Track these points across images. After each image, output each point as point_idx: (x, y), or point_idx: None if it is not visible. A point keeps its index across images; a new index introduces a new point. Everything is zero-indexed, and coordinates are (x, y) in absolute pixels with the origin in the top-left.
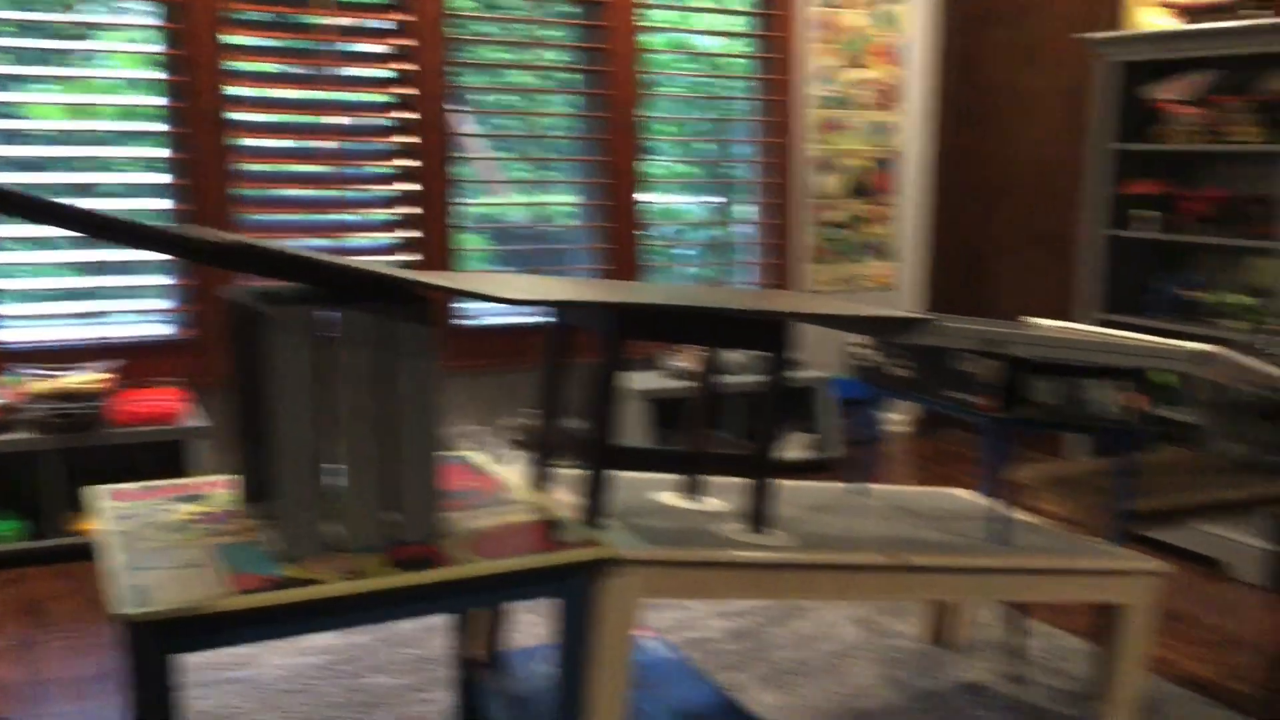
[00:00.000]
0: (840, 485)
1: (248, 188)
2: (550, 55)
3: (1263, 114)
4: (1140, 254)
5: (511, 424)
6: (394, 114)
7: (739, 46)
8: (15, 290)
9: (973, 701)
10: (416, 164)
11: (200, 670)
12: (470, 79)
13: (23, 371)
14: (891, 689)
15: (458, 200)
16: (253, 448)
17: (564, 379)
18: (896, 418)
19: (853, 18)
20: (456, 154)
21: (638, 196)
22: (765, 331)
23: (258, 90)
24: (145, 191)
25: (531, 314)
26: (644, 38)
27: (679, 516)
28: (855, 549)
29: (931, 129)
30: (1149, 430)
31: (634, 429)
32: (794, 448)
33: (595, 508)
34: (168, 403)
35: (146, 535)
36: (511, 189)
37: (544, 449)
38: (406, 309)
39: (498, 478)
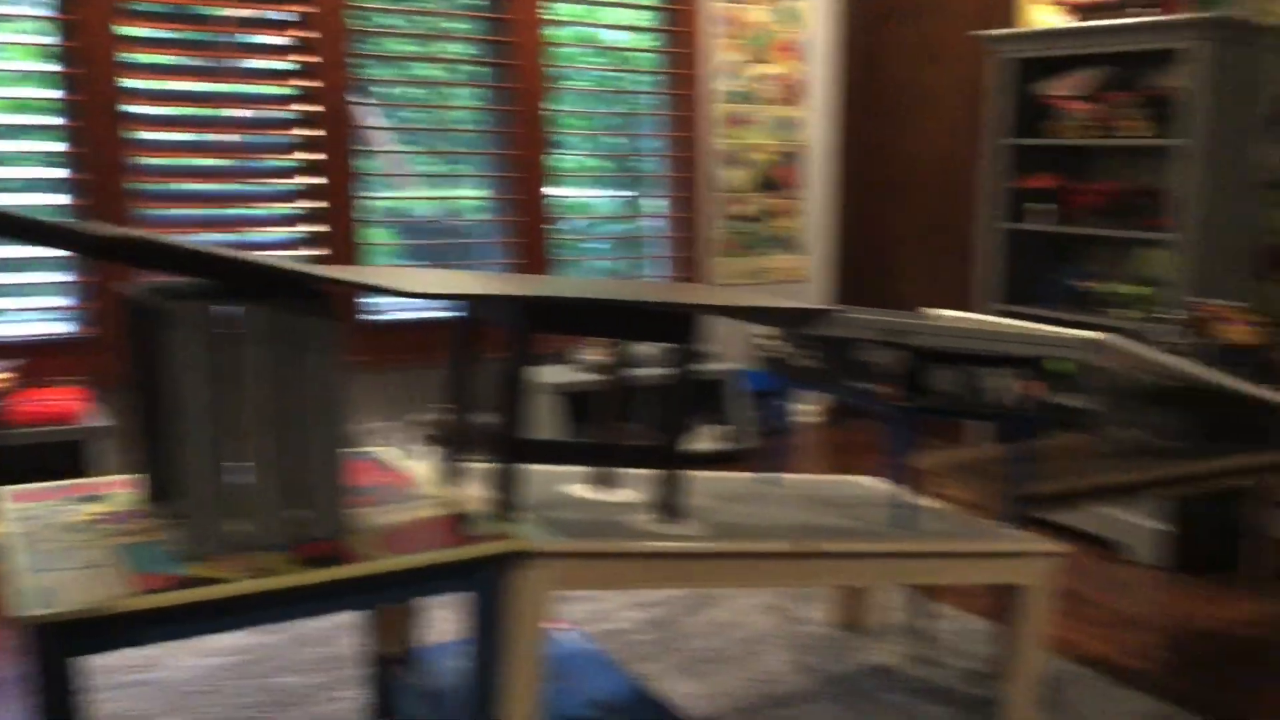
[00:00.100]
0: (751, 475)
1: (146, 182)
2: (456, 48)
3: (1150, 109)
4: (1036, 246)
5: (422, 419)
6: (296, 107)
7: (645, 41)
8: None
9: (880, 684)
10: (320, 157)
11: (107, 673)
12: (375, 71)
13: None
14: (803, 674)
15: (363, 194)
16: (155, 446)
17: (473, 373)
18: (807, 408)
19: (757, 13)
20: (361, 147)
21: (546, 190)
22: (673, 324)
23: (155, 83)
24: (41, 186)
25: (440, 309)
26: (550, 31)
27: (590, 508)
28: (765, 537)
29: (836, 124)
30: (1045, 417)
31: (546, 422)
32: (706, 439)
33: (506, 501)
34: (68, 402)
35: (48, 536)
36: (418, 182)
37: (454, 444)
38: (309, 304)
39: (407, 473)
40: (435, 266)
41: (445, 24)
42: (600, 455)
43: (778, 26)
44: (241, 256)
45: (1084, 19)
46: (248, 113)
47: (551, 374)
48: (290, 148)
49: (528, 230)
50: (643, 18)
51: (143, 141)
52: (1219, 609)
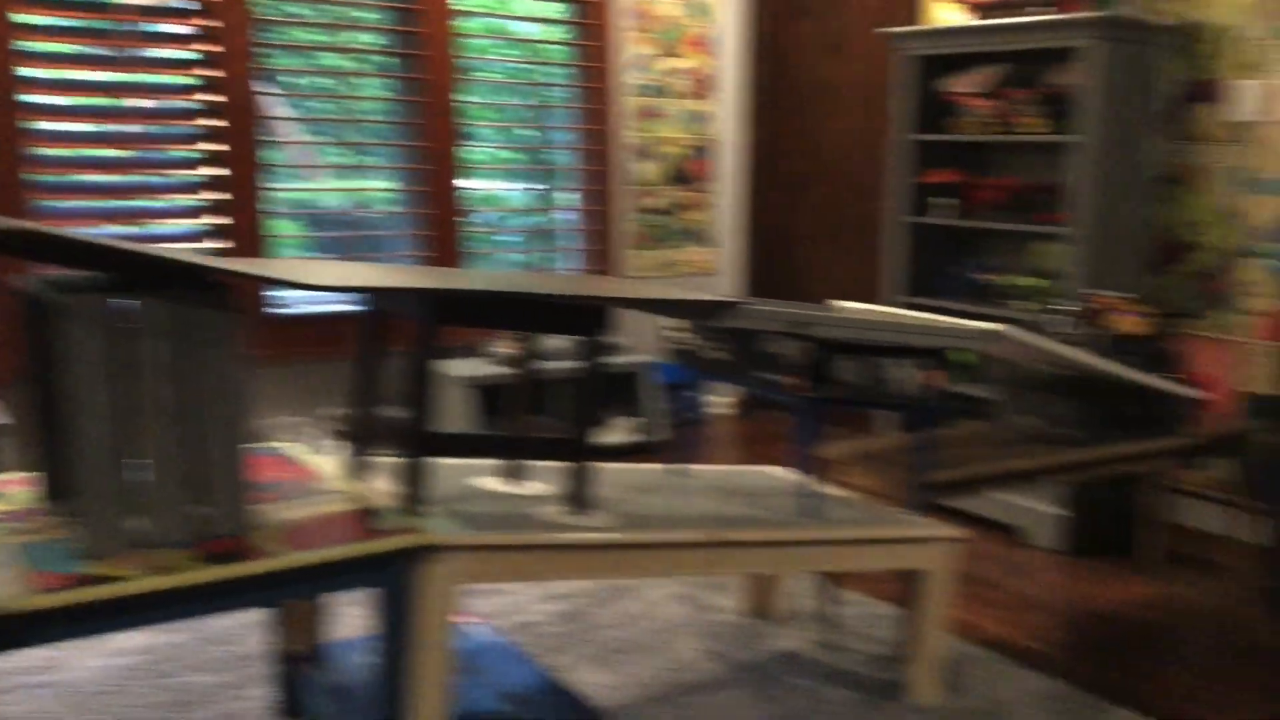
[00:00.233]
0: (661, 467)
1: (44, 173)
2: (365, 38)
3: (1048, 106)
4: (939, 239)
5: (331, 414)
6: (199, 96)
7: (556, 33)
8: None
9: (788, 669)
10: (224, 148)
11: (6, 675)
12: (281, 61)
13: None
14: (713, 662)
15: (269, 185)
16: (52, 443)
17: (380, 367)
18: (718, 400)
19: (667, 7)
20: (267, 138)
21: (458, 183)
22: (581, 317)
23: (53, 72)
24: None
25: (347, 302)
26: (460, 22)
27: (500, 501)
28: (674, 527)
29: (745, 118)
30: (947, 406)
31: (458, 416)
32: (618, 431)
33: (413, 495)
34: None
35: None
36: (326, 174)
37: (361, 438)
38: (208, 297)
39: (313, 468)
40: (343, 259)
41: (353, 13)
42: (510, 448)
43: (688, 21)
44: (138, 249)
45: (984, 17)
46: (150, 103)
47: (463, 367)
48: (193, 138)
49: (439, 223)
50: (553, 9)
51: (41, 132)
52: (1114, 591)
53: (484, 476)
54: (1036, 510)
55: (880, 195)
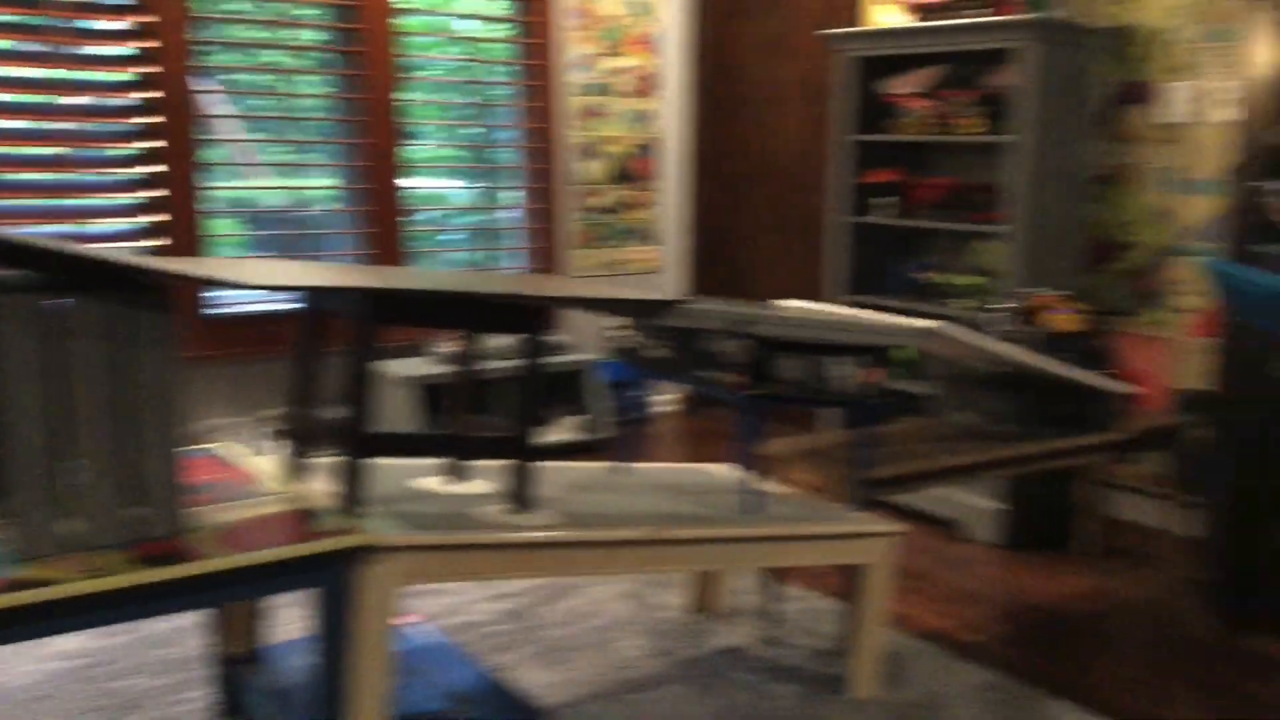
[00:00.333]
0: (604, 465)
1: None
2: (305, 35)
3: (985, 107)
4: (880, 238)
5: (271, 414)
6: (136, 94)
7: (499, 31)
8: None
9: (732, 665)
10: (162, 145)
11: None
12: (221, 58)
13: None
14: (657, 659)
15: (208, 184)
16: None
17: (318, 367)
18: (664, 397)
19: (609, 6)
20: (206, 136)
21: (400, 181)
22: (522, 315)
23: None
24: None
25: (289, 301)
26: (401, 20)
27: (441, 501)
28: (616, 525)
29: (689, 117)
30: (886, 403)
31: (402, 415)
32: (563, 429)
33: (352, 495)
34: None
35: None
36: (267, 172)
37: (300, 438)
38: (143, 297)
39: (251, 469)
40: (283, 258)
41: (294, 10)
42: (450, 447)
43: (630, 20)
44: (71, 248)
45: (922, 19)
46: (86, 100)
47: (407, 366)
48: (130, 136)
49: (381, 222)
50: (495, 7)
51: None
52: (1051, 584)
53: (426, 476)
54: (975, 505)
55: (823, 194)
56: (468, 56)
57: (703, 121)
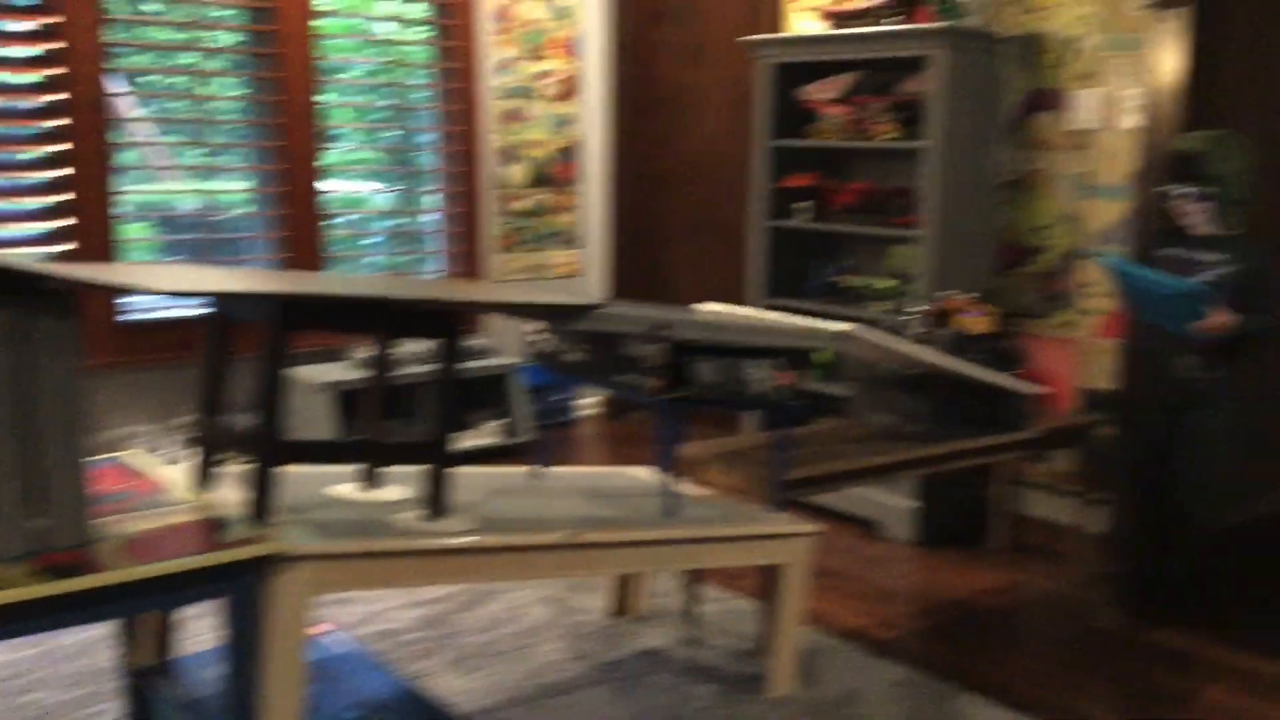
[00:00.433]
0: (523, 469)
1: None
2: (222, 37)
3: (900, 113)
4: (801, 242)
5: (186, 422)
6: (46, 96)
7: (419, 34)
8: None
9: (651, 667)
10: (70, 148)
11: None
12: (135, 60)
13: None
14: (576, 663)
15: (120, 188)
16: None
17: (226, 373)
18: (587, 401)
19: (530, 10)
20: (119, 138)
21: (319, 184)
22: (436, 320)
23: None
24: None
25: (203, 306)
26: (320, 22)
27: (354, 508)
28: (532, 530)
29: (610, 121)
30: (800, 405)
31: (319, 421)
32: (485, 434)
33: (262, 504)
34: None
35: None
36: (181, 175)
37: (209, 446)
38: (44, 303)
39: (159, 478)
40: (197, 263)
41: (210, 12)
42: (364, 454)
43: (551, 24)
44: None
45: (837, 26)
46: None
47: (323, 372)
48: (40, 138)
49: (300, 225)
50: (415, 10)
51: None
52: (965, 581)
53: (342, 484)
54: (892, 504)
55: (744, 198)
56: (387, 59)
57: (624, 126)
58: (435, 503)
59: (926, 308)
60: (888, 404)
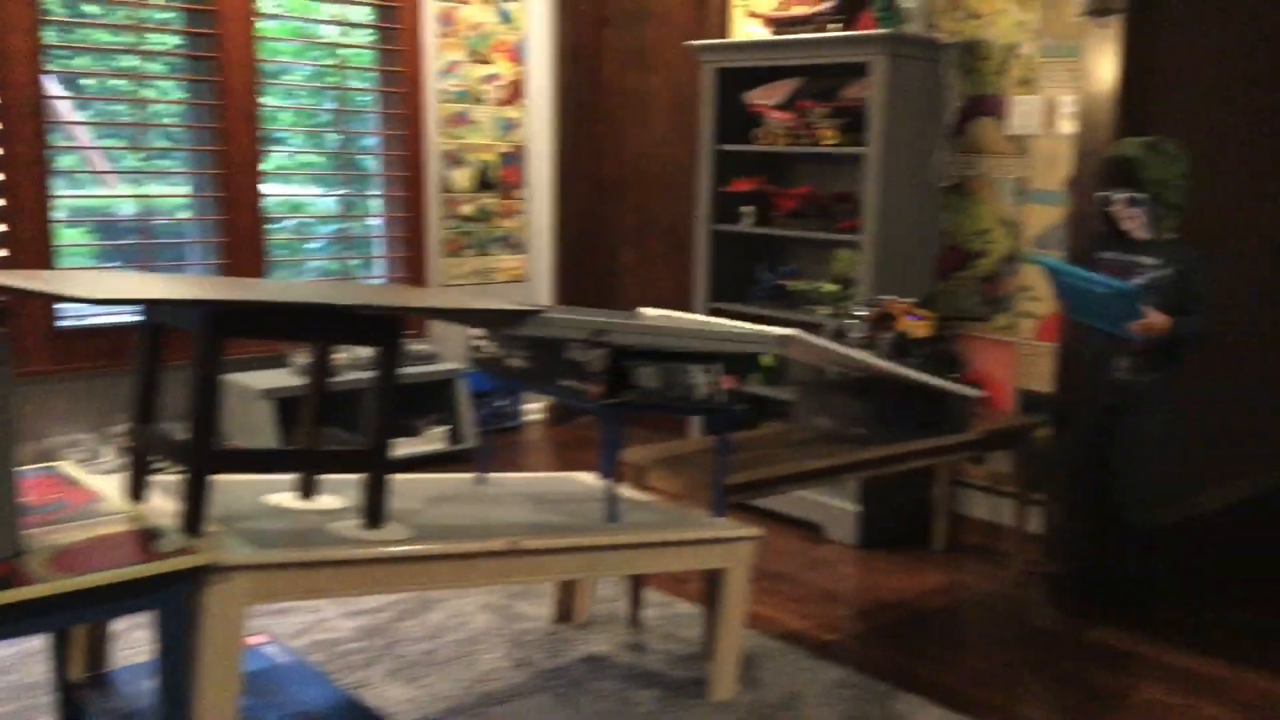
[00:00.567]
0: (465, 476)
1: None
2: (162, 39)
3: (842, 118)
4: (748, 246)
5: (122, 430)
6: None
7: (363, 37)
8: None
9: (594, 673)
10: (3, 152)
11: None
12: (73, 61)
13: None
14: (518, 670)
15: (56, 192)
16: None
17: (161, 381)
18: (532, 406)
19: (474, 14)
20: (55, 142)
21: (262, 189)
22: (373, 326)
23: None
24: None
25: (140, 314)
26: (262, 24)
27: (291, 517)
28: (471, 537)
29: (556, 125)
30: (743, 409)
31: (260, 429)
32: (429, 440)
33: (194, 514)
34: None
35: None
36: (120, 180)
37: (143, 455)
38: None
39: (92, 489)
40: (138, 269)
41: (150, 14)
42: (300, 462)
43: (496, 27)
44: None
45: (777, 32)
46: None
47: (265, 379)
48: None
49: (241, 230)
50: (359, 13)
51: None
52: (907, 581)
53: (278, 492)
54: (835, 507)
55: (690, 203)
56: (331, 62)
57: (570, 130)
58: (373, 511)
59: (868, 311)
60: (830, 407)
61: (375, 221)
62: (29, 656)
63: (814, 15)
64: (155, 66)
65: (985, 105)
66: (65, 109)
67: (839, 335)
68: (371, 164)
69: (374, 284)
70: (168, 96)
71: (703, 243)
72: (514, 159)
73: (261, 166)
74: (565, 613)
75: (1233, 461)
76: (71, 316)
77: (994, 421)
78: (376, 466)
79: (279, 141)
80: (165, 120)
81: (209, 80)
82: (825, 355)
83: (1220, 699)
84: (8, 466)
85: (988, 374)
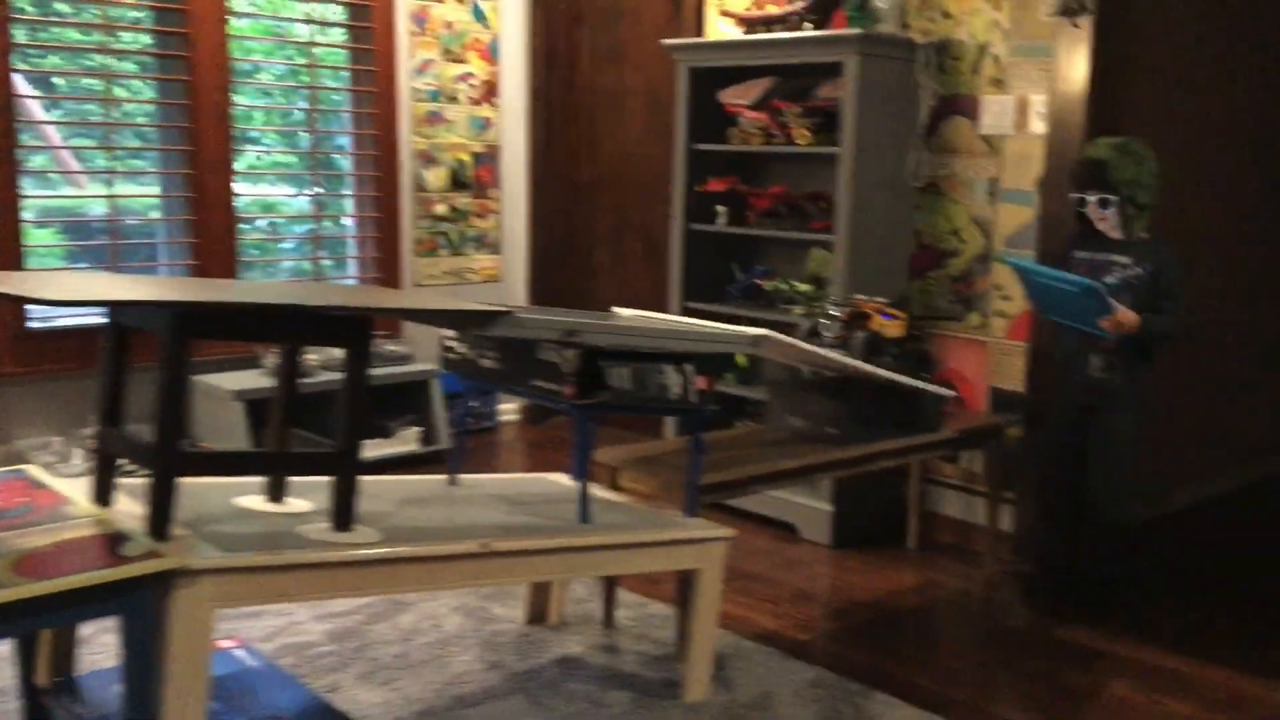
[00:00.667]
0: (437, 477)
1: None
2: (133, 38)
3: (815, 118)
4: (723, 246)
5: (87, 433)
6: None
7: (336, 36)
8: None
9: (566, 674)
10: None
11: None
12: (42, 60)
13: None
14: (491, 672)
15: (25, 192)
16: None
17: (127, 383)
18: (507, 407)
19: (447, 12)
20: (24, 141)
21: (234, 188)
22: (342, 327)
23: None
24: None
25: (102, 315)
26: (233, 23)
27: (259, 520)
28: (441, 540)
29: (531, 124)
30: (712, 409)
31: (231, 431)
32: (403, 441)
33: (161, 517)
34: None
35: None
36: (91, 179)
37: (110, 458)
38: None
39: (59, 492)
40: (107, 270)
41: (121, 13)
42: (269, 464)
43: (469, 26)
44: None
45: (748, 32)
46: None
47: (234, 380)
48: None
49: (213, 231)
50: (332, 12)
51: None
52: (880, 581)
53: (247, 495)
54: (808, 507)
55: (665, 202)
56: (303, 61)
57: (544, 129)
58: (343, 513)
59: (840, 311)
60: (803, 407)
61: (348, 221)
62: None
63: (787, 15)
64: (126, 65)
65: (958, 105)
66: (35, 108)
67: (812, 335)
68: (344, 163)
69: (346, 284)
70: (139, 96)
71: (677, 242)
72: (488, 158)
73: (234, 166)
74: (538, 614)
75: (1202, 461)
76: (41, 318)
77: (967, 420)
78: (346, 468)
79: (251, 141)
80: (136, 120)
81: (180, 79)
82: (798, 355)
83: (1186, 695)
84: None
85: (960, 373)
